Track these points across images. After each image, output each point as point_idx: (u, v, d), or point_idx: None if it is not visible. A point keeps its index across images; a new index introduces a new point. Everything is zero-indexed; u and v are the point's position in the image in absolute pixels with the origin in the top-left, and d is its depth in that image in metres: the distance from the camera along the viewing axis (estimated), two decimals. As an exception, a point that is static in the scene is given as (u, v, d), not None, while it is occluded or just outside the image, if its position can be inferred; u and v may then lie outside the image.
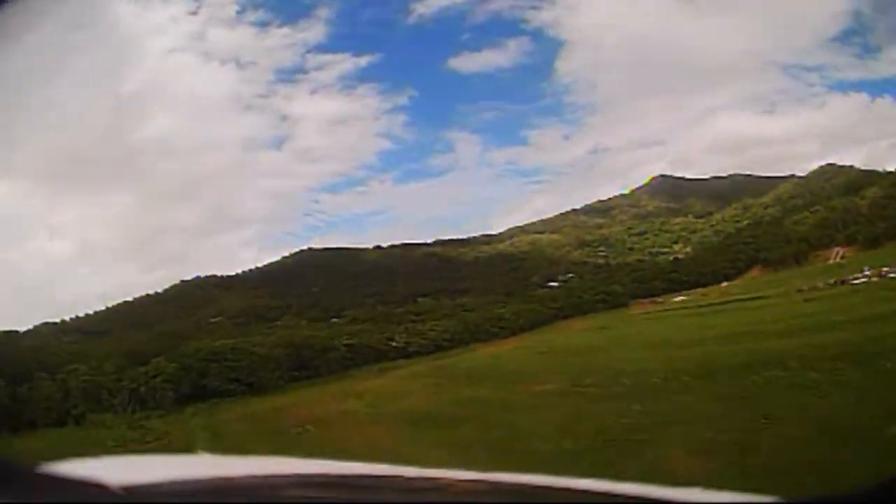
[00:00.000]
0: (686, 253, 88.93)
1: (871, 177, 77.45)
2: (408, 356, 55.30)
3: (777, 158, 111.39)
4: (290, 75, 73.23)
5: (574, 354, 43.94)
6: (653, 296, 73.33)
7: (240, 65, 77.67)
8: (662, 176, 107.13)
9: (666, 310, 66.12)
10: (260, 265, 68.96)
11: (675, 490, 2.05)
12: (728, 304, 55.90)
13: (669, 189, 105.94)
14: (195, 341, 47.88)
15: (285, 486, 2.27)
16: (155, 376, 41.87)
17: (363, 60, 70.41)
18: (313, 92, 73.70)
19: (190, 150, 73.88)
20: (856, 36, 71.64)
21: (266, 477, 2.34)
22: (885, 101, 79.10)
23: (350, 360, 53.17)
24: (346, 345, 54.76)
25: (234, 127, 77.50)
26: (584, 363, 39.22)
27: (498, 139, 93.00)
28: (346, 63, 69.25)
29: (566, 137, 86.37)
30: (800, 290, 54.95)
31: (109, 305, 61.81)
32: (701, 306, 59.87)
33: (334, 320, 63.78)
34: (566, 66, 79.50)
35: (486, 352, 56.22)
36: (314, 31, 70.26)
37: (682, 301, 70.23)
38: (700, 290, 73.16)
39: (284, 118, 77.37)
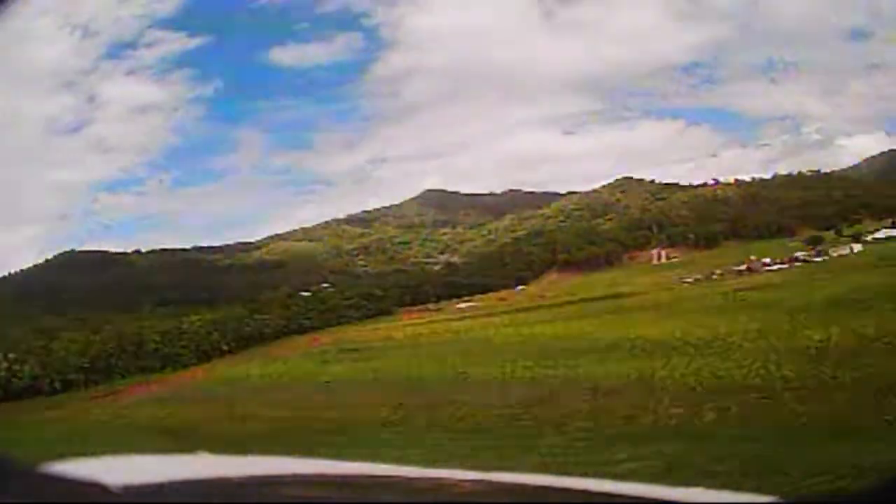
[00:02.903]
0: (453, 262, 77.57)
1: (673, 189, 70.17)
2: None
3: (562, 177, 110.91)
4: (121, 50, 65.90)
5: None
6: (425, 302, 52.78)
7: (87, 33, 62.79)
8: (433, 190, 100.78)
9: (451, 319, 39.60)
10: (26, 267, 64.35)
11: (675, 490, 1.94)
12: (587, 302, 30.53)
13: (439, 202, 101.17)
14: None
15: (285, 486, 2.17)
16: None
17: (194, 42, 62.96)
18: (130, 72, 66.87)
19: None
20: (703, 68, 68.77)
21: (266, 477, 2.23)
22: (700, 129, 78.92)
23: None
24: None
25: (46, 103, 68.56)
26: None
27: (285, 141, 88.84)
28: (176, 43, 62.05)
29: (350, 145, 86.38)
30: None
31: None
32: (520, 310, 33.59)
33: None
34: (381, 70, 73.15)
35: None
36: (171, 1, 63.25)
37: (473, 307, 45.68)
38: (493, 294, 51.53)
39: (92, 99, 68.87)
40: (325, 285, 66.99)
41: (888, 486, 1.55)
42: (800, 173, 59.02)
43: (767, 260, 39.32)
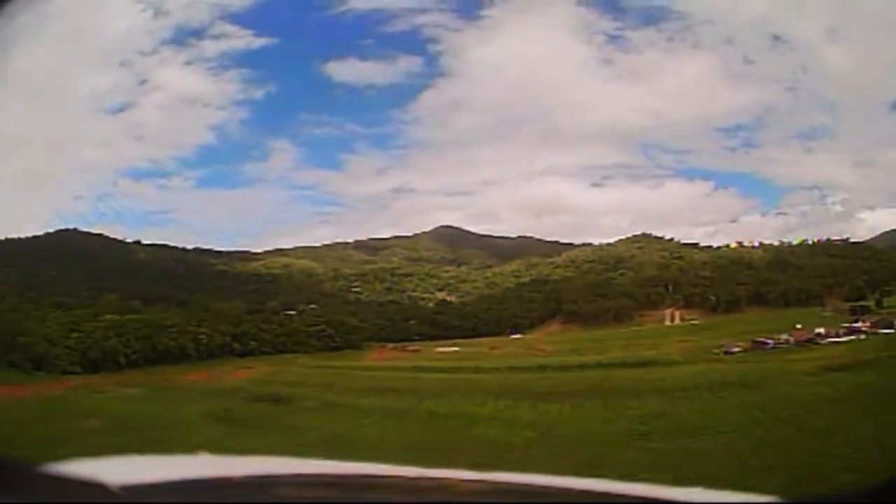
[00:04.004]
0: (448, 300, 74.46)
1: (692, 250, 65.05)
2: None
3: (579, 229, 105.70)
4: (186, 37, 58.54)
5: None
6: (406, 340, 48.32)
7: (159, 12, 56.09)
8: (448, 226, 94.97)
9: (423, 368, 33.54)
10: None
11: (675, 490, 1.91)
12: (605, 368, 23.81)
13: (451, 239, 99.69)
14: None
15: (285, 486, 2.17)
16: None
17: (258, 42, 57.04)
18: (188, 62, 60.12)
19: (38, 94, 50.74)
20: (744, 131, 63.76)
21: (266, 477, 2.23)
22: (727, 193, 73.12)
23: None
24: None
25: (97, 78, 60.99)
26: None
27: (316, 158, 78.86)
28: (242, 40, 56.63)
29: (380, 171, 75.14)
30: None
31: None
32: (512, 370, 26.98)
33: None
34: (432, 99, 63.58)
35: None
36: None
37: (456, 352, 39.70)
38: (484, 340, 46.21)
39: (143, 83, 60.44)
40: (313, 306, 64.90)
41: (888, 486, 1.52)
42: (828, 240, 54.33)
43: (821, 331, 34.24)
